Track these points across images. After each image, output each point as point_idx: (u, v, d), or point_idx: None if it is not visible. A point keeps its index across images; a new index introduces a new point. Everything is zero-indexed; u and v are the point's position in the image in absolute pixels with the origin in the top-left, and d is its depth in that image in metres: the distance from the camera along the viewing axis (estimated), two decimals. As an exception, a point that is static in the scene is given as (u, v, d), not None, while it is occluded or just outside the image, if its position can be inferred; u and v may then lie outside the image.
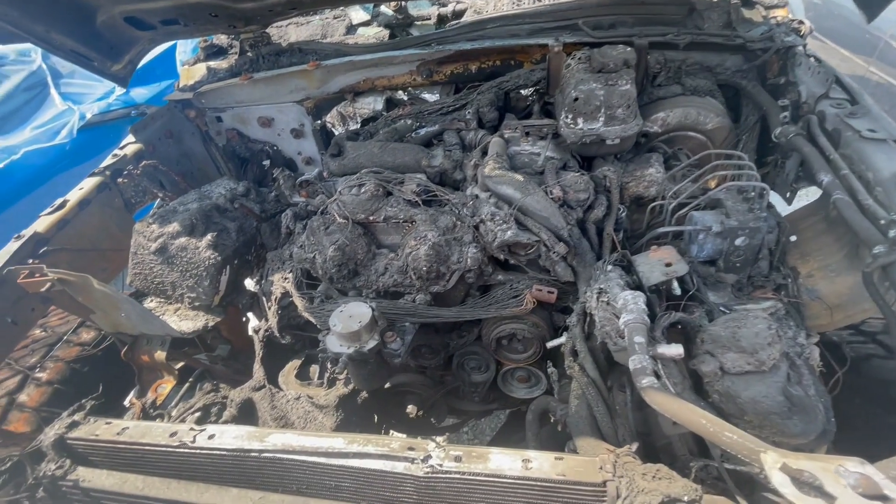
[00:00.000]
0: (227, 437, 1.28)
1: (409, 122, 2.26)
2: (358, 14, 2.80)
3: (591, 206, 1.78)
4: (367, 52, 2.30)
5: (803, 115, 1.80)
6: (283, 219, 2.10)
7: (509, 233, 1.66)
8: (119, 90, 5.09)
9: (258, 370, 2.03)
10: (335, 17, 2.80)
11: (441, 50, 2.19)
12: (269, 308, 2.00)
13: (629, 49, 1.78)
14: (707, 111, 1.96)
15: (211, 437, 1.28)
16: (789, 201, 1.94)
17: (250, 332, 2.33)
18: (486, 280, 1.88)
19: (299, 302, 1.87)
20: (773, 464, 0.84)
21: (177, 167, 2.48)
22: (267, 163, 2.70)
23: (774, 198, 1.81)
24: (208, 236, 1.98)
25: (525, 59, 2.18)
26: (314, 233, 1.91)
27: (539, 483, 1.06)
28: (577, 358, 1.50)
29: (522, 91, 2.29)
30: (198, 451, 1.28)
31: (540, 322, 1.81)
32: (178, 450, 1.28)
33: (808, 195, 1.82)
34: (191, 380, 2.16)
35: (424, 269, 1.74)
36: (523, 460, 1.09)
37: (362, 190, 1.86)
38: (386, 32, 2.56)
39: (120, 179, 2.27)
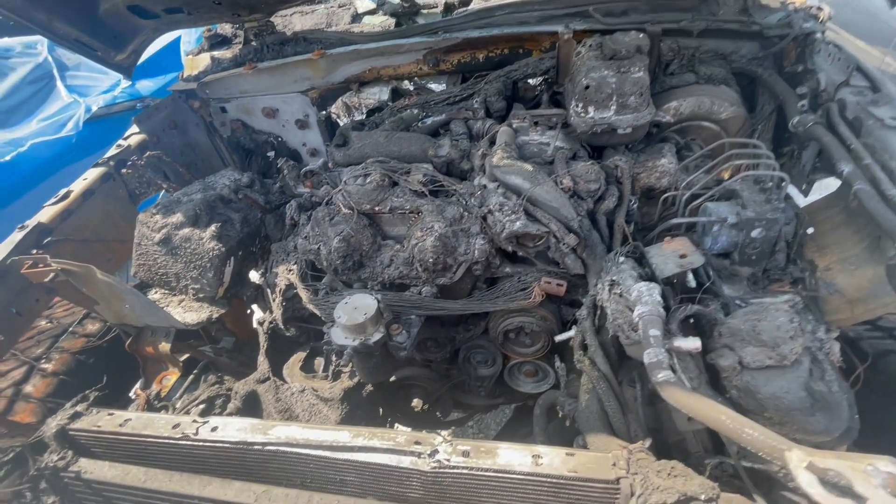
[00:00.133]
0: (231, 429, 1.26)
1: (416, 111, 2.23)
2: (363, 2, 2.76)
3: (602, 196, 1.73)
4: (372, 41, 2.27)
5: (822, 104, 1.74)
6: (287, 210, 2.08)
7: (518, 223, 1.63)
8: (125, 83, 5.09)
9: (262, 362, 2.02)
10: (340, 6, 2.76)
11: (448, 38, 2.15)
12: (274, 300, 1.98)
13: (642, 35, 1.73)
14: (721, 100, 1.91)
15: (214, 429, 1.27)
16: (805, 193, 1.90)
17: (255, 324, 2.33)
18: (494, 272, 1.84)
19: (304, 294, 1.85)
20: (798, 462, 0.80)
21: (181, 158, 2.47)
22: (271, 153, 2.68)
23: (790, 190, 1.76)
24: (212, 227, 1.96)
25: (534, 47, 2.14)
26: (319, 224, 1.88)
27: (550, 479, 1.03)
28: (587, 352, 1.47)
29: (531, 80, 2.24)
30: (200, 443, 1.26)
31: (548, 315, 1.78)
32: (180, 442, 1.27)
33: (822, 189, 1.78)
34: (195, 371, 2.16)
35: (431, 260, 1.71)
36: (533, 456, 1.06)
37: (368, 180, 1.83)
38: (392, 21, 2.51)
39: (124, 170, 2.26)
